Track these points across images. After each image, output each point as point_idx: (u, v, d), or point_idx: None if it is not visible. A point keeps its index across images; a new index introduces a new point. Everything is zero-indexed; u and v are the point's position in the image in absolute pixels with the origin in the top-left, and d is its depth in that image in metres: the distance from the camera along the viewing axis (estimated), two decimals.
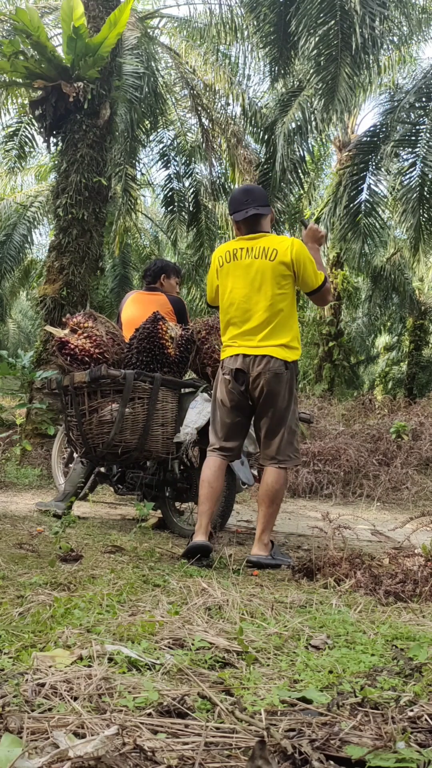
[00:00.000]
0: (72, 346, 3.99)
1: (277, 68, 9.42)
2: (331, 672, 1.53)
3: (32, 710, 1.22)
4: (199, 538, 3.13)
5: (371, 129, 10.82)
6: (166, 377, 3.78)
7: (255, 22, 9.45)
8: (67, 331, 4.17)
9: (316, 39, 8.10)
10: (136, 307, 4.37)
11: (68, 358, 3.99)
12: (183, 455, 3.83)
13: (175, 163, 13.17)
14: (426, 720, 1.23)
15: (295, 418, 3.32)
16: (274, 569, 3.03)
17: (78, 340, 4.02)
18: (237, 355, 3.27)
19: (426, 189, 9.87)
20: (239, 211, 3.32)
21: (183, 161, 13.15)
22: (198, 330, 4.00)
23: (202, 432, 3.72)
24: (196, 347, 3.97)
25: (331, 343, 16.49)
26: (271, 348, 3.21)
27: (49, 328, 5.04)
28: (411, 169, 10.11)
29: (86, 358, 3.92)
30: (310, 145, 10.93)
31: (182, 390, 3.93)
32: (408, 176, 10.15)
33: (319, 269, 3.33)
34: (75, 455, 4.38)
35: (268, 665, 1.58)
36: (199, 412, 3.70)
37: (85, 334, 4.08)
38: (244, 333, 3.27)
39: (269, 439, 3.27)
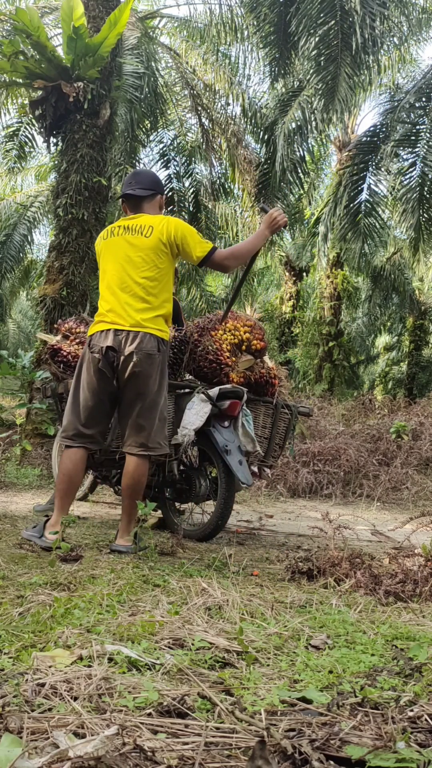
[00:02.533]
0: (65, 353, 3.95)
1: (277, 68, 9.42)
2: (331, 672, 1.53)
3: (32, 710, 1.22)
4: (53, 537, 3.04)
5: (371, 129, 10.82)
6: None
7: (255, 22, 9.46)
8: (59, 337, 4.14)
9: (316, 39, 8.10)
10: None
11: (61, 365, 3.95)
12: (182, 456, 3.83)
13: (175, 163, 13.18)
14: (426, 720, 1.23)
15: (166, 405, 3.23)
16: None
17: (71, 347, 3.99)
18: (108, 330, 3.13)
19: (426, 189, 9.87)
20: (123, 192, 3.36)
21: (183, 161, 13.15)
22: (190, 333, 3.98)
23: (200, 433, 3.71)
24: (190, 349, 3.93)
25: (331, 343, 16.50)
26: (143, 326, 3.10)
27: (40, 335, 5.02)
28: (411, 169, 10.12)
29: None
30: (310, 145, 10.93)
31: (178, 392, 3.90)
32: (408, 176, 10.16)
33: (242, 252, 3.26)
34: None
35: (268, 665, 1.58)
36: (196, 413, 3.69)
37: (78, 340, 4.05)
38: (116, 308, 3.14)
39: (138, 425, 3.12)
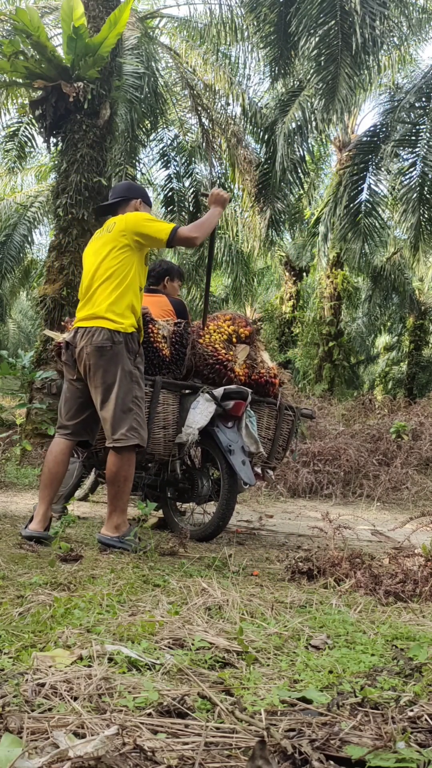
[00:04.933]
0: None
1: (277, 68, 9.42)
2: (331, 672, 1.53)
3: (32, 710, 1.22)
4: (33, 526, 3.26)
5: (371, 129, 10.82)
6: (166, 380, 3.76)
7: (255, 23, 9.46)
8: (66, 335, 4.14)
9: (316, 39, 8.11)
10: None
11: None
12: (185, 456, 3.83)
13: (175, 163, 13.17)
14: (426, 720, 1.23)
15: (130, 396, 3.20)
16: (120, 551, 3.06)
17: None
18: (75, 329, 3.34)
19: (426, 189, 9.87)
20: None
21: (183, 161, 13.14)
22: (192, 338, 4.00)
23: (204, 432, 3.71)
24: (194, 363, 3.95)
25: (331, 343, 16.49)
26: (98, 320, 3.21)
27: (48, 332, 5.01)
28: (411, 169, 10.12)
29: None
30: (310, 145, 10.93)
31: (183, 391, 3.90)
32: (408, 176, 10.16)
33: (204, 226, 3.34)
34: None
35: (268, 665, 1.58)
36: (200, 412, 3.69)
37: None
38: (81, 307, 3.33)
39: (103, 417, 3.22)
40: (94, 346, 3.17)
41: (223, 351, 3.92)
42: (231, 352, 3.96)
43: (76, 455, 4.17)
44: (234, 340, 4.05)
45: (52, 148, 8.10)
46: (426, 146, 9.74)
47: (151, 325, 3.81)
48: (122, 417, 3.17)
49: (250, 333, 4.11)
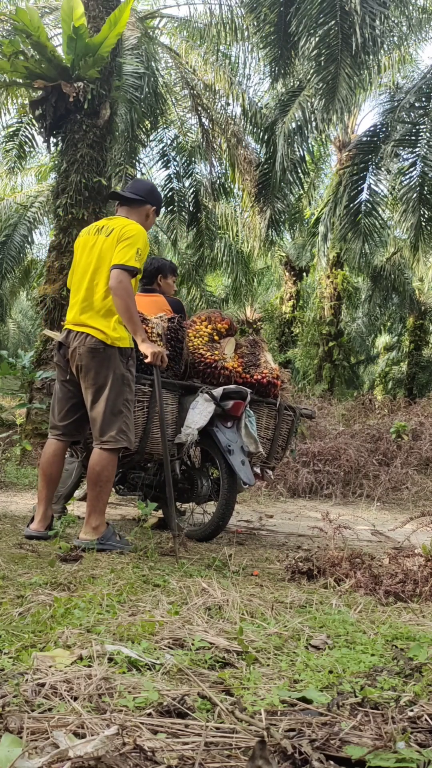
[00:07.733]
0: None
1: (277, 68, 9.42)
2: (331, 672, 1.53)
3: (32, 710, 1.22)
4: (34, 526, 3.32)
5: (371, 129, 10.82)
6: (166, 379, 3.74)
7: (255, 23, 9.46)
8: (58, 334, 4.15)
9: (316, 39, 8.10)
10: None
11: None
12: (184, 455, 3.82)
13: (175, 163, 13.17)
14: (426, 720, 1.23)
15: (121, 399, 3.20)
16: (101, 552, 3.03)
17: None
18: (66, 330, 3.36)
19: (426, 188, 9.87)
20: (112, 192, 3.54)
21: (183, 161, 13.14)
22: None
23: (203, 432, 3.71)
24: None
25: (331, 343, 16.49)
26: (89, 328, 3.21)
27: (48, 332, 4.99)
28: (411, 169, 10.12)
29: None
30: (310, 145, 10.93)
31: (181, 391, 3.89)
32: (408, 176, 10.16)
33: (129, 307, 3.13)
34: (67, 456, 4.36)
35: (268, 665, 1.58)
36: (200, 412, 3.69)
37: None
38: (75, 306, 3.32)
39: (92, 418, 3.22)
40: (87, 347, 3.19)
41: (208, 354, 3.93)
42: (216, 352, 3.97)
43: (75, 455, 4.16)
44: (216, 337, 4.07)
45: (52, 148, 8.10)
46: (426, 146, 9.74)
47: (144, 325, 3.76)
48: (112, 419, 3.17)
49: (229, 325, 4.15)
